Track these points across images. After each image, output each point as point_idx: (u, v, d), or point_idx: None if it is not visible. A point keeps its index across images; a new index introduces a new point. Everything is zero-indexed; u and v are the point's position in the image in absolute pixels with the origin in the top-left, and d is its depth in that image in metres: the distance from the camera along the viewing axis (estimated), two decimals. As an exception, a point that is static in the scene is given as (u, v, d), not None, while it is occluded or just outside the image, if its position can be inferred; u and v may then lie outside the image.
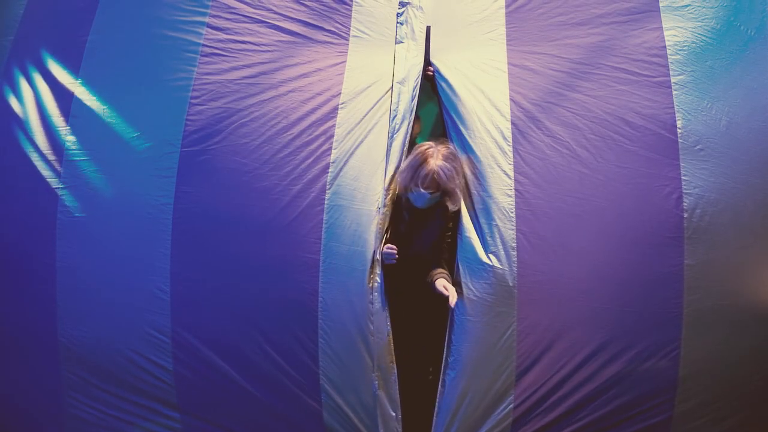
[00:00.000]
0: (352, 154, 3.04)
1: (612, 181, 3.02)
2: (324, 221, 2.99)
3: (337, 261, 2.98)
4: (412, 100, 3.09)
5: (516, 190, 3.00)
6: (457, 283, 2.97)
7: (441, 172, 2.78)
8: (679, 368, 2.99)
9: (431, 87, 3.19)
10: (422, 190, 2.83)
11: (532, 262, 2.97)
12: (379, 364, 3.01)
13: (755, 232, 3.07)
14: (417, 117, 3.15)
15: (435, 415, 3.06)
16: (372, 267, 2.95)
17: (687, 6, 3.19)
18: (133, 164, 3.11)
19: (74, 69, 3.22)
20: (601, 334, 2.99)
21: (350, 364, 3.00)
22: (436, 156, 2.86)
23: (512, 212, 2.98)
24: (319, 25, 3.20)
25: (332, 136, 3.05)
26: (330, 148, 3.04)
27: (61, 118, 3.19)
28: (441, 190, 2.81)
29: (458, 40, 3.19)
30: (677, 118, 3.06)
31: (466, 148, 3.02)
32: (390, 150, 3.05)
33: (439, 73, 3.12)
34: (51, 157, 3.18)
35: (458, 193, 2.83)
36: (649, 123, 3.06)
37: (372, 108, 3.09)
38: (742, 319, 3.06)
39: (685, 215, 3.00)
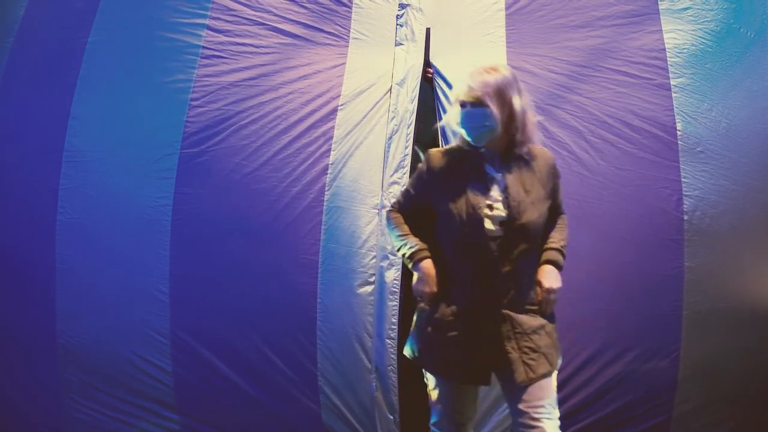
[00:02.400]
0: (351, 155, 3.05)
1: (612, 183, 3.02)
2: (323, 222, 3.01)
3: (336, 262, 3.00)
4: (412, 101, 3.09)
5: (516, 191, 3.00)
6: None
7: (469, 78, 2.34)
8: (678, 370, 2.98)
9: (430, 88, 3.19)
10: (459, 108, 2.36)
11: (531, 264, 2.97)
12: (377, 367, 3.01)
13: (755, 235, 3.07)
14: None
15: (434, 416, 3.06)
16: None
17: (687, 9, 3.19)
18: (132, 166, 3.12)
19: (74, 70, 3.22)
20: (601, 336, 2.99)
21: (348, 366, 3.01)
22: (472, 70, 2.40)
23: (512, 214, 2.99)
24: (319, 27, 3.21)
25: (331, 137, 3.06)
26: (329, 150, 3.05)
27: (62, 120, 3.19)
28: (471, 100, 2.31)
29: (458, 42, 3.19)
30: (677, 121, 3.06)
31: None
32: (388, 151, 3.05)
33: (439, 74, 3.12)
34: (51, 158, 3.18)
35: (491, 106, 2.29)
36: (648, 125, 3.05)
37: (371, 110, 3.09)
38: (742, 321, 3.05)
39: (686, 217, 2.99)
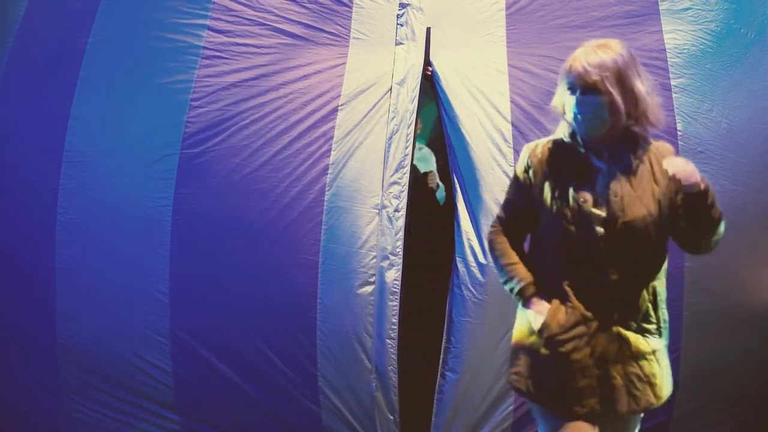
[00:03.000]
0: (351, 155, 3.04)
1: (612, 183, 3.02)
2: (323, 222, 3.00)
3: (336, 262, 2.99)
4: (412, 101, 3.08)
5: (516, 191, 3.00)
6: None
7: (583, 58, 1.99)
8: (678, 370, 2.96)
9: (431, 88, 3.19)
10: (568, 92, 2.03)
11: (532, 264, 2.96)
12: (377, 367, 3.01)
13: (756, 235, 3.06)
14: (417, 117, 3.15)
15: (434, 416, 3.07)
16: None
17: (687, 9, 3.18)
18: (132, 166, 3.11)
19: (74, 71, 3.21)
20: (601, 337, 2.97)
21: (348, 366, 3.00)
22: (584, 47, 2.05)
23: (512, 213, 2.98)
24: (320, 27, 3.20)
25: (331, 137, 3.05)
26: (329, 150, 3.04)
27: (62, 120, 3.18)
28: (584, 85, 1.97)
29: (458, 42, 3.18)
30: (677, 121, 3.05)
31: (466, 148, 3.02)
32: (389, 151, 3.05)
33: (439, 74, 3.12)
34: (51, 158, 3.17)
35: (612, 92, 1.95)
36: (649, 125, 3.05)
37: (371, 109, 3.08)
38: (742, 322, 3.05)
39: (686, 218, 2.99)
